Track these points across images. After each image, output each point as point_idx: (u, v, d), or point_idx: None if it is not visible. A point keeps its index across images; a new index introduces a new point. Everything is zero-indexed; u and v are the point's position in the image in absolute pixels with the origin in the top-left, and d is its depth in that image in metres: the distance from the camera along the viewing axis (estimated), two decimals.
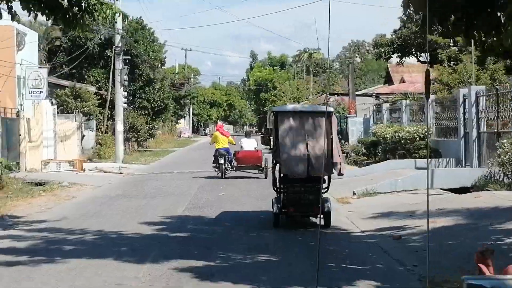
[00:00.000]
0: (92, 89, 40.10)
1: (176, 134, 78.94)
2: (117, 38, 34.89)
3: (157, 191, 20.27)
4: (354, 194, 17.38)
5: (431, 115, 25.58)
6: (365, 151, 32.90)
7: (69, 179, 23.71)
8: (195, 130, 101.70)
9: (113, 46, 35.45)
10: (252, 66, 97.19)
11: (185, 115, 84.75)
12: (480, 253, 5.64)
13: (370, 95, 43.58)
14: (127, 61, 36.70)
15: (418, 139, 24.62)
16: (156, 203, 17.09)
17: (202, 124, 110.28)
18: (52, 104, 32.62)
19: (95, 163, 32.57)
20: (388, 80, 70.72)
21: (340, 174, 12.44)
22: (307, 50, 73.64)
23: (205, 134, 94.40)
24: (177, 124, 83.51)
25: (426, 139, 24.38)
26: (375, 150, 31.28)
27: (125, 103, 35.62)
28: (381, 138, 28.49)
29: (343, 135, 38.07)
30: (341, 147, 35.39)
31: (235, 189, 20.42)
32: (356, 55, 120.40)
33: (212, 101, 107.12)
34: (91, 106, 37.24)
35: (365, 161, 31.15)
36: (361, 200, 16.77)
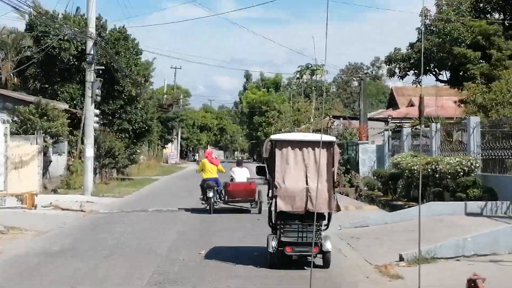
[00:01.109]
0: (62, 106, 34.53)
1: (163, 159, 73.23)
2: (89, 44, 29.39)
3: (116, 243, 14.64)
4: (402, 259, 11.75)
5: (476, 143, 20.19)
6: (381, 185, 27.45)
7: (9, 220, 18.14)
8: (184, 155, 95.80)
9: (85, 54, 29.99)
10: (245, 87, 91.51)
11: (173, 139, 79.13)
12: (471, 281, 5.70)
13: (383, 119, 38.15)
14: (101, 72, 31.18)
15: (462, 173, 19.10)
16: (106, 270, 11.50)
17: (191, 149, 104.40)
18: (4, 122, 27.05)
19: (57, 196, 26.94)
20: (392, 104, 65.63)
21: (338, 209, 11.70)
22: (310, 66, 67.98)
23: (194, 160, 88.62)
24: (164, 149, 77.85)
25: (472, 174, 18.94)
26: (395, 185, 25.83)
27: (97, 122, 30.05)
28: (406, 171, 23.01)
29: (352, 164, 32.63)
30: (351, 177, 29.42)
31: (225, 236, 14.86)
32: (354, 78, 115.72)
33: (202, 124, 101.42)
34: (59, 126, 31.59)
35: (382, 198, 25.69)
36: (415, 270, 11.12)
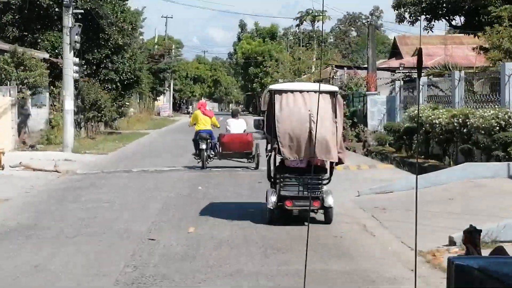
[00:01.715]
0: (42, 55, 31.42)
1: (154, 112, 70.19)
2: None
3: (86, 218, 11.77)
4: (453, 243, 8.91)
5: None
6: (394, 140, 24.67)
7: None
8: (177, 108, 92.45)
9: None
10: (240, 37, 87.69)
11: (165, 91, 75.86)
12: (468, 233, 5.65)
13: (390, 69, 35.12)
14: (80, 17, 28.02)
15: (498, 128, 16.22)
16: (63, 261, 8.70)
17: (184, 101, 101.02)
18: None
19: (33, 153, 24.13)
20: (395, 54, 62.53)
21: (341, 162, 11.23)
22: (311, 12, 64.22)
23: (188, 113, 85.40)
24: (155, 101, 74.72)
25: (510, 129, 16.10)
26: (410, 141, 23.05)
27: (77, 72, 26.97)
28: (426, 124, 20.17)
29: (359, 117, 29.77)
30: (358, 131, 26.75)
31: (220, 207, 12.08)
32: (352, 28, 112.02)
33: (195, 76, 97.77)
34: (37, 77, 28.58)
35: (396, 155, 22.95)
36: None
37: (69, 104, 26.16)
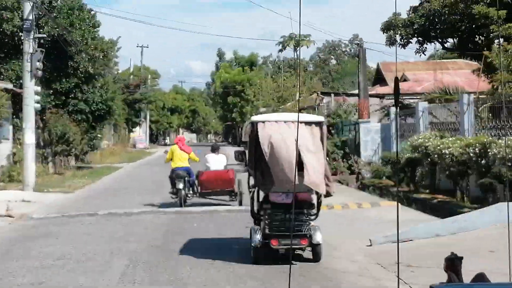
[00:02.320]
0: (4, 85, 28.75)
1: (130, 144, 67.35)
2: (27, 7, 23.64)
3: (29, 281, 9.11)
4: None
5: None
6: (391, 173, 22.23)
7: None
8: (154, 139, 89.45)
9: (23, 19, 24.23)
10: (218, 66, 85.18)
11: (141, 122, 73.09)
12: (449, 260, 5.46)
13: (383, 95, 32.76)
14: (46, 44, 25.54)
15: None
16: None
17: (161, 132, 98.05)
18: None
19: None
20: (380, 80, 60.43)
21: (329, 194, 10.55)
22: (294, 36, 61.73)
23: (165, 144, 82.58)
24: (131, 133, 71.90)
25: None
26: (413, 173, 20.59)
27: (38, 102, 24.22)
28: (435, 155, 17.71)
29: (350, 147, 27.28)
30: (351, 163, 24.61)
31: (199, 261, 9.52)
32: (332, 56, 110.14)
33: (173, 107, 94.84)
34: None
35: (395, 190, 20.49)
36: None
37: (29, 137, 23.44)
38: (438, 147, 17.46)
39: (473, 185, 16.79)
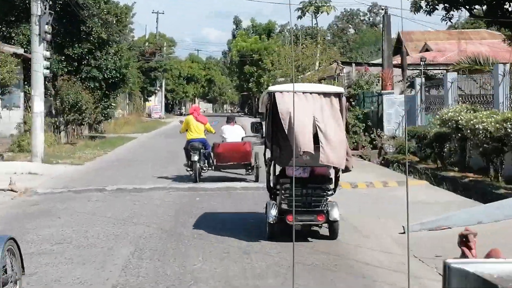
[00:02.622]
0: (12, 49, 27.67)
1: (145, 113, 66.33)
2: None
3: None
4: None
5: None
6: (418, 148, 21.01)
7: None
8: (169, 109, 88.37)
9: None
10: (235, 34, 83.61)
11: (156, 91, 71.97)
12: (463, 236, 5.36)
13: (399, 66, 31.17)
14: (57, 8, 24.37)
15: None
16: None
17: (177, 102, 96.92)
18: None
19: None
20: (400, 51, 58.95)
21: (348, 170, 10.08)
22: (313, 2, 60.02)
23: (180, 114, 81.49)
24: (146, 102, 70.84)
25: None
26: (441, 149, 19.34)
27: (47, 67, 23.05)
28: (467, 130, 16.45)
29: (373, 120, 26.00)
30: (376, 136, 23.53)
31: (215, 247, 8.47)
32: (350, 25, 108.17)
33: (189, 75, 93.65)
34: (6, 74, 24.81)
35: (422, 166, 19.31)
36: None
37: (38, 105, 22.42)
38: (471, 122, 16.23)
39: (509, 163, 15.58)
